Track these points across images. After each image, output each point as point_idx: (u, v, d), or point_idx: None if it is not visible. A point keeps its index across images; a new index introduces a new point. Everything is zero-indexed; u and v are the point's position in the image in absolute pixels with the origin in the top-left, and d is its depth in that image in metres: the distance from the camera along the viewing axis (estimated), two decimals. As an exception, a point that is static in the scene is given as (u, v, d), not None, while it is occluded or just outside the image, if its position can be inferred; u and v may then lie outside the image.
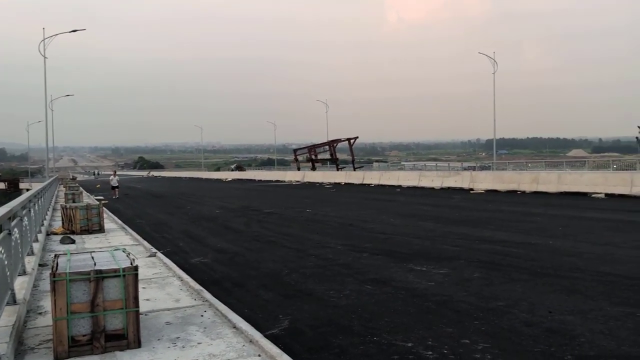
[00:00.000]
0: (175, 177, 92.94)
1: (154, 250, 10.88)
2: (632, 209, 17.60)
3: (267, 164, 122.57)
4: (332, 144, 59.05)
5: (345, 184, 42.49)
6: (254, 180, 61.65)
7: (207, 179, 75.22)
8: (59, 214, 17.33)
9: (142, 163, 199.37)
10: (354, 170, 53.15)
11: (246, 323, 5.61)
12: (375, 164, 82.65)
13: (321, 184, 44.10)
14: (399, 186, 35.33)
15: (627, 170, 32.46)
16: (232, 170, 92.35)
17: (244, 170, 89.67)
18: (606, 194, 22.11)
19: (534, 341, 5.26)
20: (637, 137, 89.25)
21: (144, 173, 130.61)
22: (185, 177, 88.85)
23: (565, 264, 8.88)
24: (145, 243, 12.21)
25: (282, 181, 54.44)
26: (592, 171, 31.00)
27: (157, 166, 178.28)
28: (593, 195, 22.39)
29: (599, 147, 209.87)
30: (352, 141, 57.97)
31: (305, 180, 50.84)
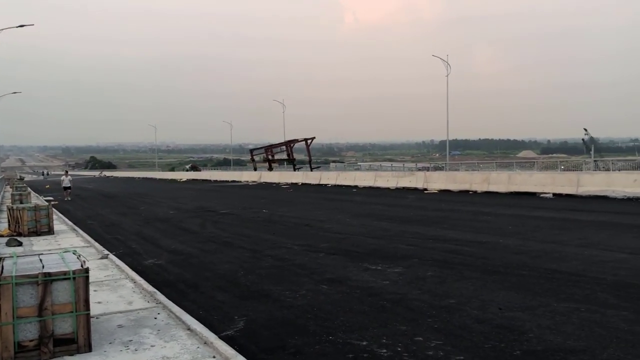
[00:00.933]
0: (129, 178, 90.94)
1: (106, 252, 10.64)
2: (577, 208, 18.27)
3: (224, 164, 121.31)
4: (289, 144, 58.96)
5: (302, 184, 42.53)
6: (210, 180, 60.97)
7: (161, 180, 73.92)
8: (5, 215, 16.72)
9: (94, 163, 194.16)
10: (311, 170, 53.22)
11: (201, 325, 5.56)
12: (332, 165, 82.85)
13: (278, 185, 44.01)
14: (356, 186, 35.61)
15: (574, 170, 33.61)
16: (187, 170, 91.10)
17: (200, 170, 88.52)
18: (554, 194, 22.87)
19: (485, 337, 5.40)
20: (583, 139, 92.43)
21: (95, 173, 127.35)
22: (139, 178, 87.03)
23: (514, 262, 9.14)
24: (97, 245, 11.92)
25: (238, 181, 54.04)
26: (540, 172, 31.99)
27: (109, 166, 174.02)
28: (541, 195, 23.12)
29: (548, 149, 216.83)
30: (309, 141, 58.04)
31: (262, 180, 50.62)
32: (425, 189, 29.91)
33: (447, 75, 49.25)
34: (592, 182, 22.24)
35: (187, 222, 17.53)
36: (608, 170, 35.49)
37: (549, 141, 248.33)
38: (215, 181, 58.34)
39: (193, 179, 65.99)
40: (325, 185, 39.59)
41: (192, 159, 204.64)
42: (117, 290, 7.41)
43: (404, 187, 31.76)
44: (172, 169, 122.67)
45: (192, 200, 28.18)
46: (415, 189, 30.52)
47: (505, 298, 6.86)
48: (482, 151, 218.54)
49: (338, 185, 37.99)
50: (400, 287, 7.64)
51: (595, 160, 44.91)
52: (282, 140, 61.64)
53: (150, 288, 7.25)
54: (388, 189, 32.30)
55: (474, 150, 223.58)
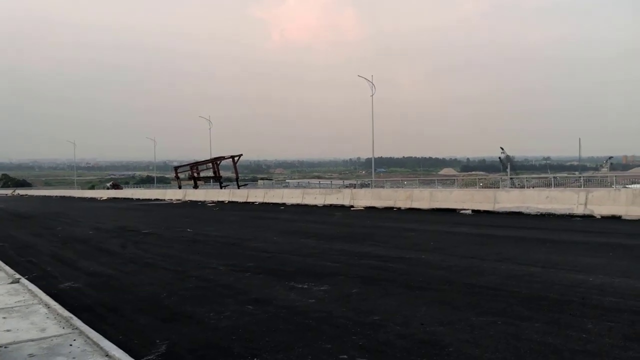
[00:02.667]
0: (45, 196, 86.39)
1: (17, 276, 10.02)
2: (494, 224, 19.11)
3: (147, 181, 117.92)
4: (215, 161, 58.27)
5: (229, 202, 42.02)
6: (132, 199, 59.01)
7: (80, 198, 70.76)
8: None
9: (7, 181, 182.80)
10: (238, 188, 52.78)
11: (120, 350, 5.34)
12: (260, 182, 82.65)
13: (203, 203, 43.23)
14: (283, 204, 35.58)
15: (491, 188, 35.27)
16: (108, 188, 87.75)
17: (121, 188, 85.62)
18: (473, 210, 23.82)
19: (407, 353, 5.52)
20: (499, 157, 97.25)
21: (8, 191, 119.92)
22: (56, 196, 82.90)
23: (436, 277, 9.43)
24: (7, 268, 11.21)
25: (162, 200, 52.64)
26: (460, 189, 33.29)
27: (23, 184, 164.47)
28: (461, 212, 24.02)
29: (467, 166, 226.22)
30: (236, 159, 57.63)
31: (187, 198, 49.58)
32: (352, 206, 30.35)
33: (372, 95, 50.54)
34: (508, 199, 23.34)
35: (107, 242, 16.85)
36: (523, 187, 37.52)
37: (468, 159, 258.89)
38: (138, 199, 56.56)
39: (114, 198, 63.65)
40: (253, 203, 39.31)
41: (113, 176, 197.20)
42: (29, 316, 6.99)
43: (331, 205, 32.07)
44: (92, 187, 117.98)
45: (113, 220, 27.16)
46: (342, 206, 30.90)
47: (428, 313, 7.05)
48: (406, 168, 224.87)
49: (266, 203, 37.82)
50: (326, 305, 7.68)
51: (511, 178, 47.38)
52: (209, 157, 60.83)
53: (66, 313, 6.89)
54: (316, 206, 32.51)
55: (399, 168, 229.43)
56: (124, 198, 61.53)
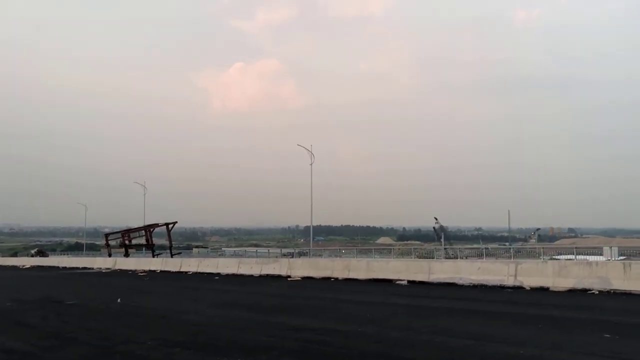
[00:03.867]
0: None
1: None
2: (429, 295, 19.31)
3: (75, 248, 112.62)
4: (148, 228, 56.60)
5: (161, 271, 40.59)
6: (58, 267, 56.06)
7: (0, 266, 66.53)
8: None
9: None
10: (172, 256, 51.26)
11: None
12: (195, 250, 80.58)
13: (134, 272, 41.57)
14: (218, 274, 34.73)
15: (426, 258, 35.82)
16: (33, 255, 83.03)
17: (47, 255, 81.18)
18: (408, 281, 24.01)
19: None
20: (434, 227, 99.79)
21: None
22: (-27, 264, 77.60)
23: (372, 351, 9.31)
24: None
25: (90, 268, 50.28)
26: (396, 259, 33.68)
27: None
28: (397, 282, 24.17)
29: (403, 235, 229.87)
30: (170, 226, 56.29)
31: (117, 267, 47.59)
32: (289, 276, 29.97)
33: (311, 164, 51.21)
34: (442, 270, 23.74)
35: (27, 314, 15.76)
36: (456, 257, 38.41)
37: (404, 228, 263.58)
38: (64, 268, 53.81)
39: (39, 266, 60.26)
40: (186, 272, 38.14)
41: (39, 243, 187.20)
42: None
43: (267, 274, 31.55)
44: (15, 254, 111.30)
45: (35, 290, 25.59)
46: (279, 276, 30.45)
47: (362, 390, 6.90)
48: (345, 237, 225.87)
49: (200, 273, 36.77)
50: (258, 382, 7.39)
51: (445, 248, 48.49)
52: (142, 224, 59.16)
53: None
54: (252, 276, 31.91)
55: (337, 236, 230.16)
56: (50, 266, 58.40)
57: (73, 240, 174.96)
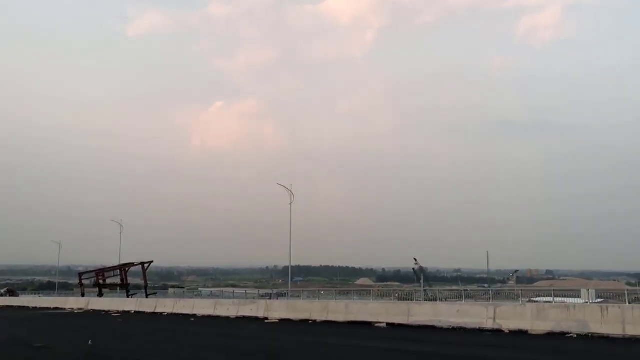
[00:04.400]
0: None
1: None
2: (408, 338, 19.05)
3: (48, 288, 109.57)
4: (123, 268, 55.42)
5: (136, 312, 39.57)
6: (28, 307, 54.37)
7: (-32, 306, 64.34)
8: None
9: None
10: (147, 297, 50.12)
11: None
12: (171, 290, 79.02)
13: (108, 312, 40.46)
14: (194, 315, 33.97)
15: (405, 300, 35.57)
16: (2, 295, 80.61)
17: (17, 295, 78.88)
18: (388, 324, 23.71)
19: None
20: (413, 269, 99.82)
21: None
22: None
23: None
24: None
25: (62, 308, 48.81)
26: (375, 301, 33.35)
27: None
28: (376, 325, 23.84)
29: (383, 276, 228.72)
30: (146, 266, 55.23)
31: (90, 307, 46.30)
32: (267, 318, 29.41)
33: (290, 203, 51.01)
34: (421, 312, 23.52)
35: (-8, 359, 15.15)
36: (436, 299, 38.18)
37: (384, 269, 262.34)
38: (35, 308, 52.18)
39: (8, 306, 58.36)
40: (161, 313, 37.22)
41: (9, 282, 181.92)
42: None
43: (245, 316, 30.92)
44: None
45: (2, 331, 24.71)
46: (257, 318, 29.86)
47: None
48: (323, 277, 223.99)
49: (175, 314, 35.92)
50: None
51: (424, 290, 48.31)
52: (117, 263, 58.00)
53: None
54: (228, 317, 31.26)
55: (316, 277, 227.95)
56: (20, 306, 56.59)
57: (46, 279, 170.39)
